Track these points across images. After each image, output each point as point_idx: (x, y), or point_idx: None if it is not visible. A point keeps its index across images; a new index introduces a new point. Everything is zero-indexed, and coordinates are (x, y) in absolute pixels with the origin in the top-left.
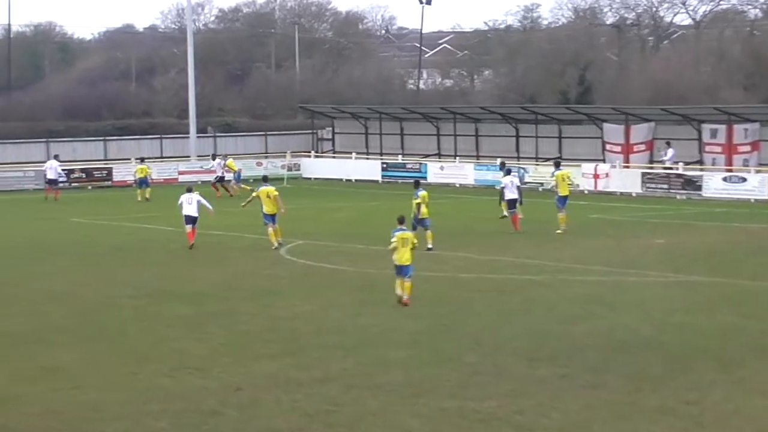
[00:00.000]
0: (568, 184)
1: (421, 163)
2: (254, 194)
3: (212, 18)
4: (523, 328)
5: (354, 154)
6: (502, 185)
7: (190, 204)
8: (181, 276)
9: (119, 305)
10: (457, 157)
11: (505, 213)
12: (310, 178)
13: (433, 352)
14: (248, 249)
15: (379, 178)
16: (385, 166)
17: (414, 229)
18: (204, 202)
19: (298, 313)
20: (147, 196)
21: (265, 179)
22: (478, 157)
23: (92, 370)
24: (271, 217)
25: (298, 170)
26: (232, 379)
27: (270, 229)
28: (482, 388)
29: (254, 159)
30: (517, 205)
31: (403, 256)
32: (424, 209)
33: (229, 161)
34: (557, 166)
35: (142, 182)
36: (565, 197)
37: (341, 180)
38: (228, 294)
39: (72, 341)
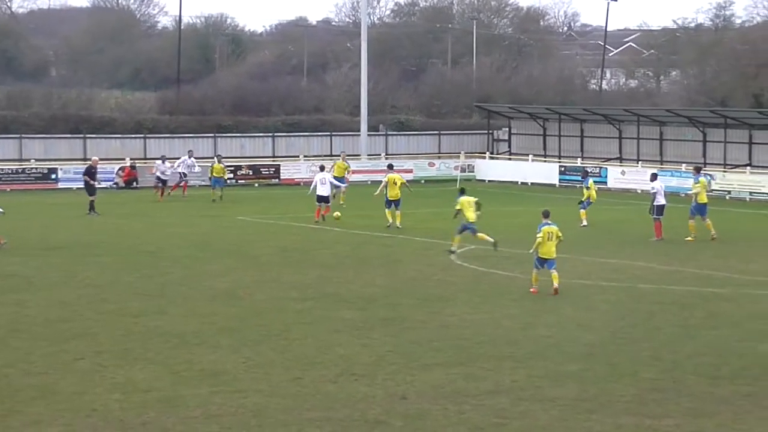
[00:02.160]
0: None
1: (601, 167)
2: (457, 207)
3: (388, 12)
4: (706, 344)
5: (531, 156)
6: (654, 190)
7: (323, 185)
8: (348, 279)
9: (284, 308)
10: (640, 162)
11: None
12: (484, 180)
13: (609, 366)
14: (419, 253)
15: (556, 181)
16: (563, 169)
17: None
18: (335, 182)
19: (468, 321)
20: (220, 195)
21: (462, 191)
22: (662, 162)
23: (255, 373)
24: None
25: (472, 172)
26: (398, 387)
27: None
28: (660, 406)
29: (426, 159)
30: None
31: (549, 250)
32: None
33: (216, 165)
34: (698, 171)
35: (217, 182)
36: (703, 205)
37: (517, 183)
38: (396, 299)
39: (235, 343)
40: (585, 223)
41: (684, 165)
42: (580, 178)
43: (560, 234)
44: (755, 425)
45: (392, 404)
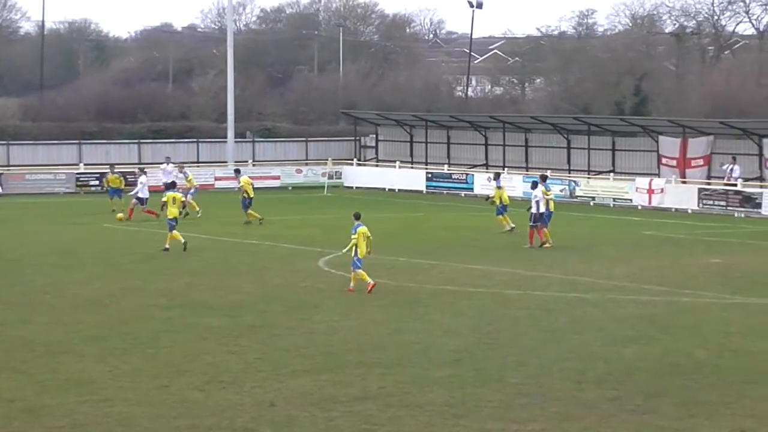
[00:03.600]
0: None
1: (467, 174)
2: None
3: (254, 18)
4: (571, 349)
5: (398, 163)
6: (536, 198)
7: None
8: (215, 286)
9: (151, 315)
10: (506, 168)
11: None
12: (351, 187)
13: (475, 371)
14: (286, 260)
15: (423, 188)
16: (430, 176)
17: None
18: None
19: (336, 328)
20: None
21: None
22: (527, 168)
23: (122, 382)
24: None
25: (340, 178)
26: (266, 395)
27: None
28: (527, 410)
29: (294, 166)
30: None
31: (363, 250)
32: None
33: (110, 176)
34: (544, 180)
35: (115, 192)
36: (549, 213)
37: (384, 189)
38: (264, 306)
39: (101, 352)
40: (510, 227)
41: (549, 171)
42: (492, 179)
43: (369, 234)
44: (620, 428)
45: (260, 411)
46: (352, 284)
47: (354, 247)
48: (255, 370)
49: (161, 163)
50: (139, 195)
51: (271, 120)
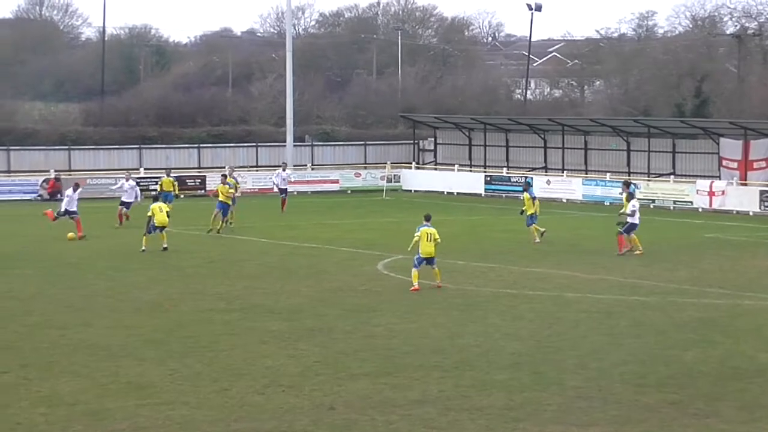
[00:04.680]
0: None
1: (526, 177)
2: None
3: (313, 23)
4: (631, 353)
5: (456, 166)
6: (634, 208)
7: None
8: (274, 290)
9: (210, 319)
10: (565, 171)
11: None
12: (410, 191)
13: (535, 375)
14: (344, 263)
15: (482, 191)
16: (488, 179)
17: None
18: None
19: (395, 331)
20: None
21: (427, 218)
22: (586, 171)
23: (182, 385)
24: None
25: (398, 182)
26: (325, 398)
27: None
28: (586, 414)
29: (353, 169)
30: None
31: (429, 249)
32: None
33: (165, 179)
34: (528, 186)
35: (167, 196)
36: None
37: (443, 193)
38: (323, 310)
39: (162, 356)
40: (537, 239)
41: (608, 174)
42: (521, 188)
43: (438, 236)
44: None
45: (319, 415)
46: (415, 283)
47: (417, 246)
48: (314, 374)
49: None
50: (124, 199)
51: (329, 124)
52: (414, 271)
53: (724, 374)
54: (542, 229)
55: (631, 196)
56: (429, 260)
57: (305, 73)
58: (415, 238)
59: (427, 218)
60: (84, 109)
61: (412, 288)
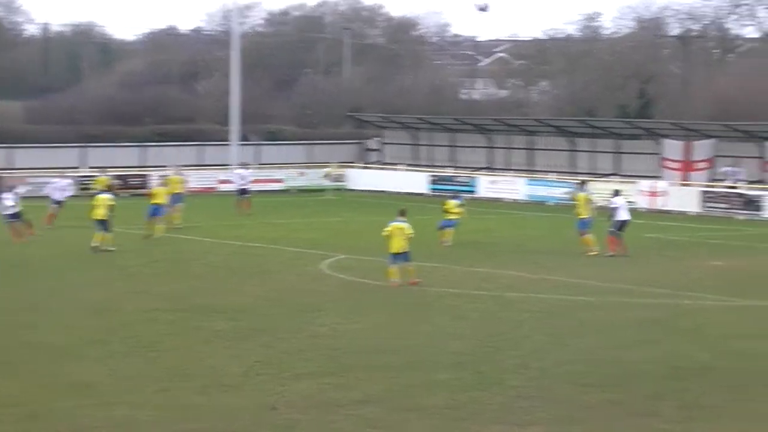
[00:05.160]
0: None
1: (471, 177)
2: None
3: (260, 21)
4: (574, 352)
5: (402, 166)
6: (615, 205)
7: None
8: (219, 290)
9: (155, 319)
10: (510, 171)
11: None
12: (356, 190)
13: (477, 374)
14: (289, 263)
15: (427, 191)
16: (434, 178)
17: None
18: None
19: (339, 331)
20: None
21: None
22: (531, 171)
23: (124, 385)
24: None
25: (344, 181)
26: (268, 398)
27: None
28: (528, 413)
29: (297, 169)
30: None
31: (399, 245)
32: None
33: (100, 177)
34: (456, 197)
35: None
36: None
37: (388, 192)
38: (267, 310)
39: (103, 356)
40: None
41: (553, 174)
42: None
43: (410, 231)
44: (620, 431)
45: (262, 415)
46: (394, 279)
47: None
48: (256, 374)
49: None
50: (56, 198)
51: (276, 123)
52: (391, 268)
53: (665, 374)
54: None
55: (586, 197)
56: (401, 256)
57: (252, 72)
58: (385, 233)
59: (402, 213)
60: (26, 107)
61: (392, 283)
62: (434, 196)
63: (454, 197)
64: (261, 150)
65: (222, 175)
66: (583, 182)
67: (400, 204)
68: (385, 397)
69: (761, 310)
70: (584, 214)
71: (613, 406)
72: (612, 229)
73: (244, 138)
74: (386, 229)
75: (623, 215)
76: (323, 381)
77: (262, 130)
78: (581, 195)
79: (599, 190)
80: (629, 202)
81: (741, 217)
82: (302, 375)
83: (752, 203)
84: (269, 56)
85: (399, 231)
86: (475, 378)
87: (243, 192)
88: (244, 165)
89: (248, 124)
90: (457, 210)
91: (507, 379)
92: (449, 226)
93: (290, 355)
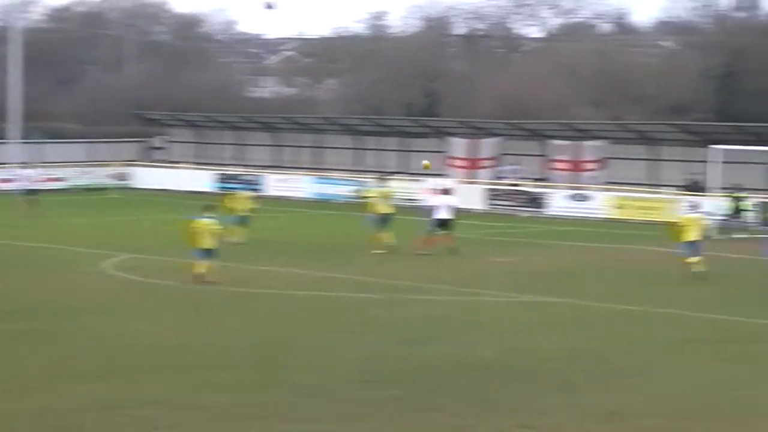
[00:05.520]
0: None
1: (258, 175)
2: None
3: (40, 16)
4: (360, 349)
5: (188, 164)
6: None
7: None
8: None
9: None
10: (296, 169)
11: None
12: (141, 189)
13: (263, 372)
14: (72, 262)
15: (214, 189)
16: (220, 177)
17: None
18: None
19: (123, 331)
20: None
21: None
22: (319, 169)
23: None
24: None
25: (128, 180)
26: (44, 401)
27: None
28: (314, 411)
29: (80, 167)
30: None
31: (204, 241)
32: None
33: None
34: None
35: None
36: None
37: (173, 191)
38: (48, 311)
39: None
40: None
41: (339, 172)
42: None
43: (216, 228)
44: (406, 427)
45: (38, 419)
46: (201, 273)
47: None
48: (33, 377)
49: None
50: None
51: (59, 121)
52: (197, 264)
53: (447, 369)
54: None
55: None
56: (207, 252)
57: (33, 69)
58: (190, 230)
59: (207, 208)
60: None
61: (197, 278)
62: (220, 194)
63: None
64: (43, 148)
65: (1, 173)
66: (380, 178)
67: (186, 202)
68: (169, 398)
69: (544, 305)
70: (380, 210)
71: (397, 401)
72: (429, 228)
73: (25, 136)
74: (192, 225)
75: (442, 214)
76: (107, 382)
77: (43, 128)
78: (378, 191)
79: (396, 189)
80: (451, 200)
81: (524, 214)
82: (84, 376)
83: (535, 200)
84: (50, 52)
85: (204, 227)
86: (261, 376)
87: (30, 192)
88: (24, 165)
89: (29, 122)
90: (247, 206)
91: (292, 378)
92: (237, 223)
93: (72, 356)
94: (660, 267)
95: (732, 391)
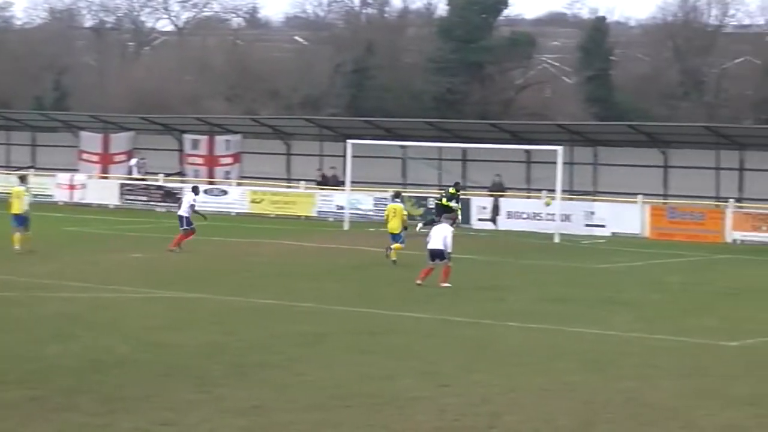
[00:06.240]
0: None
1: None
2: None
3: None
4: None
5: None
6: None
7: None
8: None
9: None
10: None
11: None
12: None
13: None
14: None
15: None
16: None
17: None
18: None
19: None
20: None
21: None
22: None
23: None
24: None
25: None
26: None
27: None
28: None
29: None
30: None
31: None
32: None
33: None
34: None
35: None
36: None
37: None
38: None
39: None
40: None
41: None
42: None
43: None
44: (42, 428)
45: None
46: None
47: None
48: None
49: None
50: None
51: None
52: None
53: (84, 367)
54: None
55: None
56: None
57: None
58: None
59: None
60: None
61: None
62: None
63: None
64: None
65: None
66: (23, 177)
67: None
68: None
69: (183, 301)
70: (14, 210)
71: (32, 402)
72: (185, 227)
73: None
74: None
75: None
76: None
77: None
78: (15, 189)
79: (12, 184)
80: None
81: (161, 210)
82: None
83: (171, 195)
84: None
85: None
86: None
87: None
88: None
89: None
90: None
91: None
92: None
93: None
94: (298, 260)
95: (370, 382)
